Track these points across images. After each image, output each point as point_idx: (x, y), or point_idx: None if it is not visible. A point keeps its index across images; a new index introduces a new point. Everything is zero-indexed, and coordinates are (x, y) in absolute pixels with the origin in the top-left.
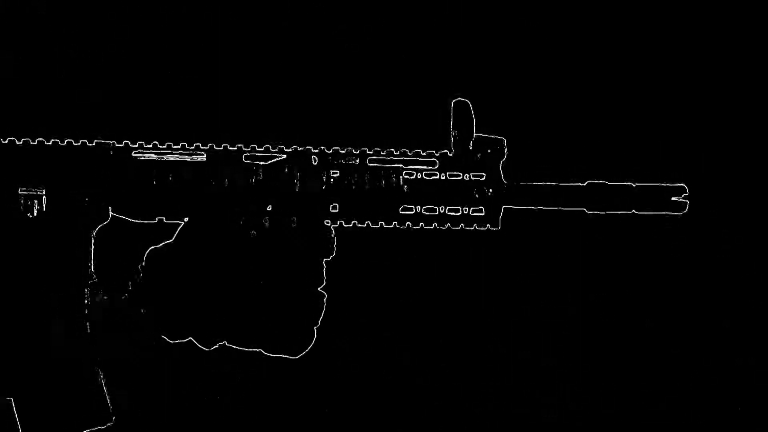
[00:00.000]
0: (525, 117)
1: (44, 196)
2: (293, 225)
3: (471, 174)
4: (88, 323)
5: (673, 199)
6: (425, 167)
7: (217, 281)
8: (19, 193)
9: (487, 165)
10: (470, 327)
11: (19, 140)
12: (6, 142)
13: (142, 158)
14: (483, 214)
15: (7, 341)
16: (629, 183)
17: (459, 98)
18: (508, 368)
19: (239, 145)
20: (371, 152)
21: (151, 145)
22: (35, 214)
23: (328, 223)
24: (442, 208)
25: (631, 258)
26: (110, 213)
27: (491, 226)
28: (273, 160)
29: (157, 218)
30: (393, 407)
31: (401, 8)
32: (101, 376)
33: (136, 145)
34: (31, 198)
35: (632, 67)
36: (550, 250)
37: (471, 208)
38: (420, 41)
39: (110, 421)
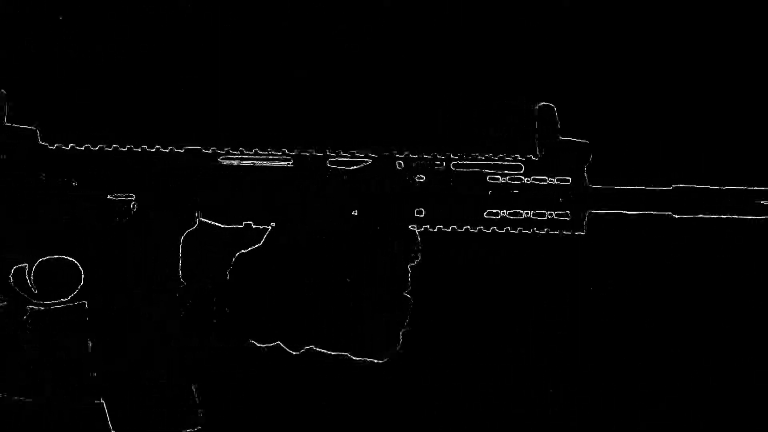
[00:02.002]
0: (610, 120)
1: (134, 202)
2: (379, 230)
3: (556, 178)
4: (177, 328)
5: (761, 202)
6: (510, 172)
7: (304, 286)
8: (109, 199)
9: (572, 169)
10: (556, 332)
11: (109, 147)
12: (96, 149)
13: (230, 164)
14: (568, 218)
15: (99, 344)
16: (716, 186)
17: (544, 103)
18: (598, 373)
19: (325, 151)
20: (456, 157)
21: (238, 151)
22: (125, 220)
23: (413, 227)
24: (527, 213)
25: (719, 262)
26: (198, 218)
27: (576, 230)
28: (358, 166)
29: (244, 223)
30: (479, 411)
31: (486, 12)
32: (191, 378)
33: (224, 151)
34: (121, 204)
35: (720, 69)
36: (636, 254)
37: (556, 213)
38: (506, 46)
39: (200, 423)
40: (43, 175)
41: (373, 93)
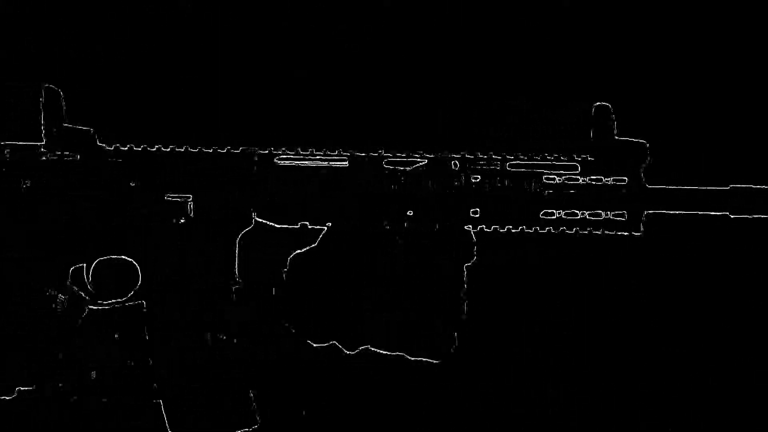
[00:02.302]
0: (667, 120)
1: (191, 202)
2: (434, 230)
3: (612, 178)
4: (233, 327)
5: None
6: (566, 171)
7: (360, 286)
8: (167, 199)
9: (629, 169)
10: (613, 332)
11: (166, 147)
12: (154, 149)
13: (285, 164)
14: (625, 218)
15: (155, 345)
16: None
17: (600, 102)
18: (661, 371)
19: (380, 151)
20: (512, 157)
21: (293, 152)
22: (183, 220)
23: (468, 227)
24: (583, 213)
25: None
26: (254, 218)
27: (633, 230)
28: (414, 166)
29: (300, 223)
30: (535, 412)
31: (540, 13)
32: (247, 378)
33: (279, 152)
34: (179, 204)
35: None
36: (693, 254)
37: (612, 213)
38: (559, 46)
39: (255, 423)
40: (101, 176)
41: (374, 93)
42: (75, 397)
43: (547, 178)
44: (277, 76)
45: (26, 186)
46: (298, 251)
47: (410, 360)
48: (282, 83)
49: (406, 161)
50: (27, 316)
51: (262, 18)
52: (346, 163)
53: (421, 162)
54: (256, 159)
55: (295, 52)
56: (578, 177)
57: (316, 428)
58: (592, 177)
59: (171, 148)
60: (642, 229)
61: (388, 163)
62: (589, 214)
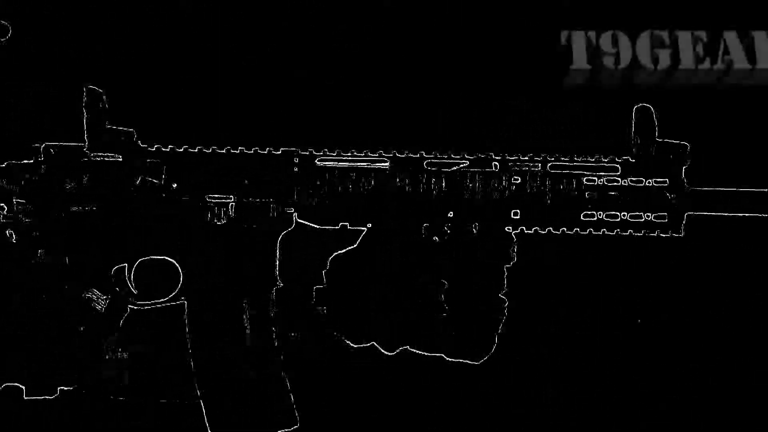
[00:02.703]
0: (708, 121)
1: (232, 203)
2: (474, 231)
3: (653, 180)
4: (274, 328)
5: None
6: (607, 173)
7: (399, 287)
8: (208, 200)
9: (670, 171)
10: (653, 334)
11: (207, 149)
12: (195, 150)
13: (327, 165)
14: (666, 220)
15: (197, 344)
16: None
17: (641, 104)
18: (700, 374)
19: (421, 152)
20: (552, 158)
21: (335, 153)
22: (223, 221)
23: (509, 229)
24: (624, 215)
25: None
26: (295, 219)
27: (674, 232)
28: (455, 167)
29: (340, 224)
30: (577, 413)
31: (541, 13)
32: (287, 379)
33: (321, 153)
34: (220, 205)
35: None
36: (735, 256)
37: (653, 215)
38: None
39: (296, 424)
40: (142, 176)
41: (375, 94)
42: (115, 398)
43: (587, 180)
44: (276, 76)
45: (69, 186)
46: (339, 252)
47: (449, 361)
48: (282, 83)
49: (447, 162)
50: (69, 317)
51: (288, 25)
52: (387, 164)
53: (463, 163)
54: (297, 160)
55: (298, 52)
56: (618, 179)
57: (350, 428)
58: (633, 179)
59: (212, 150)
60: (683, 231)
61: (429, 164)
62: (630, 216)
